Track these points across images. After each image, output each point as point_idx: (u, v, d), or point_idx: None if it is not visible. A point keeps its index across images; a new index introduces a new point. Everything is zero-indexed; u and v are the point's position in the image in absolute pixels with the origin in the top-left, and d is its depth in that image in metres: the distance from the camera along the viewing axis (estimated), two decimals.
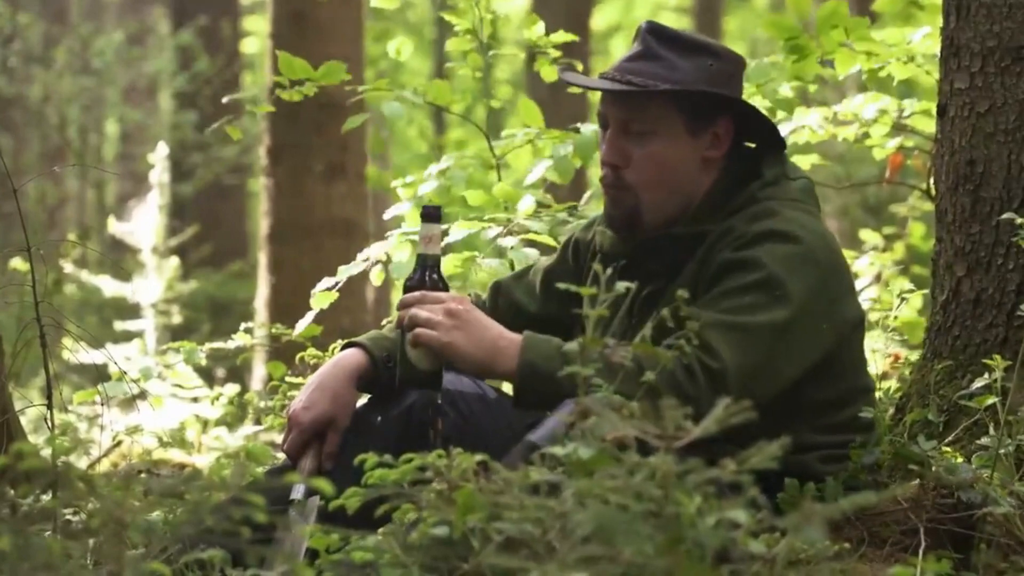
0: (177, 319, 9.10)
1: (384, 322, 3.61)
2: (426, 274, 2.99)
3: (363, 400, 3.19)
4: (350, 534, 2.41)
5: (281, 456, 3.24)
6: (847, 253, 4.57)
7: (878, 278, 5.63)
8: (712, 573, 1.92)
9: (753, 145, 3.13)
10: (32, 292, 3.20)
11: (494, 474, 2.26)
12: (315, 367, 3.83)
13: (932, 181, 3.74)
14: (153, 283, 9.03)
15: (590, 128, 4.40)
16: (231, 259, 13.11)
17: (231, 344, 4.60)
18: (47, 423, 3.18)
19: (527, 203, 4.25)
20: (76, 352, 4.08)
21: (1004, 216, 3.17)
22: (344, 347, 3.21)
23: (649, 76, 3.00)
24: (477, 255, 4.08)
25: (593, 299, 2.36)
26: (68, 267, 9.62)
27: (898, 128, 4.70)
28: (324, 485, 2.19)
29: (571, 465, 2.13)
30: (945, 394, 3.24)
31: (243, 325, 4.67)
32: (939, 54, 3.42)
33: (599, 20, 17.78)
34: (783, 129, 4.51)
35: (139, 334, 8.69)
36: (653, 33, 3.05)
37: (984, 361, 3.08)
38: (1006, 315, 3.23)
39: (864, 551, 2.87)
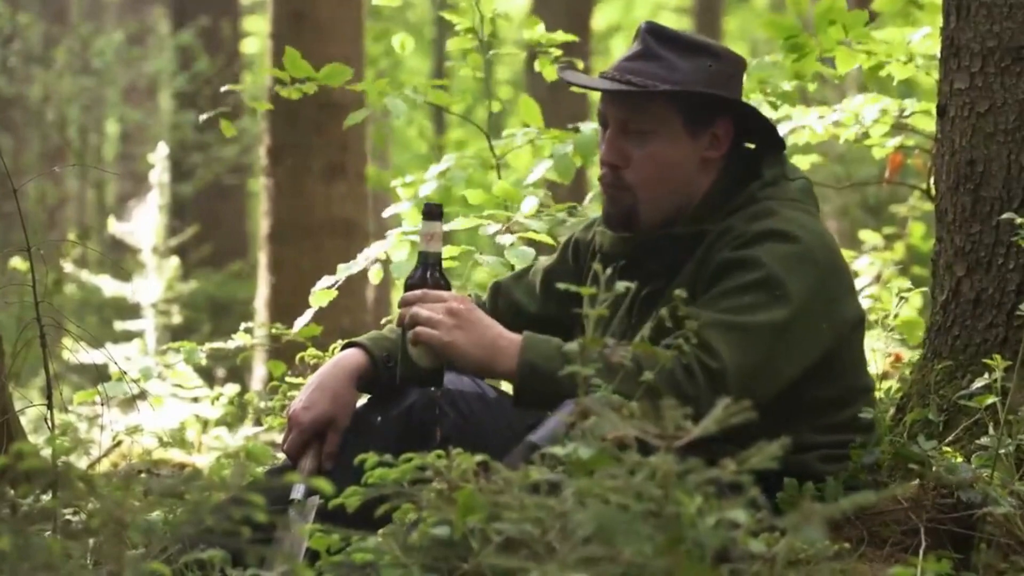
0: (177, 319, 9.10)
1: (384, 322, 3.61)
2: (427, 272, 2.99)
3: (363, 400, 3.19)
4: (350, 534, 2.41)
5: (281, 456, 3.24)
6: (847, 253, 4.57)
7: (878, 278, 5.63)
8: (712, 573, 1.92)
9: (752, 145, 3.13)
10: (32, 292, 3.19)
11: (494, 474, 2.26)
12: (315, 367, 3.82)
13: (932, 181, 3.74)
14: (153, 283, 9.03)
15: (590, 127, 4.40)
16: (231, 259, 13.11)
17: (231, 344, 4.60)
18: (47, 423, 3.18)
19: (530, 204, 4.25)
20: (76, 352, 4.08)
21: (1004, 216, 3.17)
22: (344, 347, 3.21)
23: (649, 76, 3.00)
24: (475, 252, 4.08)
25: (593, 299, 2.36)
26: (68, 267, 9.62)
27: (898, 128, 4.70)
28: (324, 485, 2.19)
29: (571, 465, 2.13)
30: (945, 394, 3.24)
31: (243, 325, 4.67)
32: (939, 54, 3.42)
33: (599, 20, 17.79)
34: (783, 129, 4.51)
35: (139, 334, 8.69)
36: (653, 33, 3.05)
37: (984, 361, 3.08)
38: (1006, 315, 3.23)
39: (864, 551, 2.87)
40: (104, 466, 4.44)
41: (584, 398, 2.26)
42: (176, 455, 5.28)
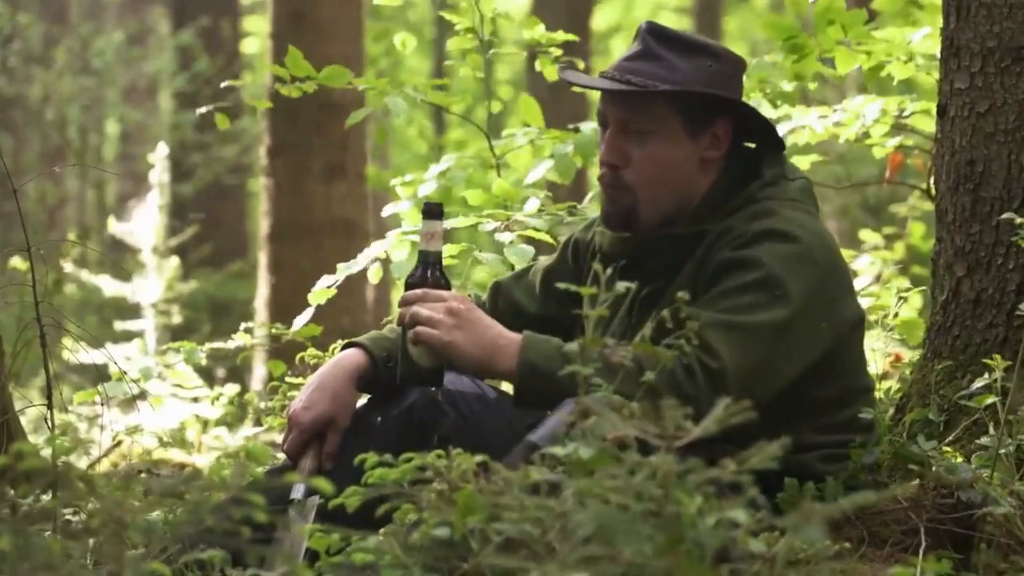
0: (177, 319, 9.10)
1: (384, 322, 3.61)
2: (427, 271, 2.99)
3: (363, 400, 3.19)
4: (350, 534, 2.41)
5: (281, 456, 3.24)
6: (847, 253, 4.57)
7: (878, 278, 5.63)
8: (712, 573, 1.92)
9: (752, 146, 3.13)
10: (32, 292, 3.19)
11: (494, 474, 2.26)
12: (315, 367, 3.82)
13: (932, 181, 3.74)
14: (153, 283, 9.03)
15: (590, 127, 4.40)
16: (231, 259, 13.11)
17: (231, 344, 4.60)
18: (47, 423, 3.18)
19: (532, 204, 4.25)
20: (76, 352, 4.08)
21: (1004, 216, 3.17)
22: (344, 347, 3.21)
23: (648, 76, 3.00)
24: (474, 248, 4.08)
25: (593, 299, 2.36)
26: (68, 267, 9.62)
27: (898, 128, 4.70)
28: (324, 485, 2.19)
29: (571, 465, 2.13)
30: (945, 394, 3.24)
31: (243, 325, 4.67)
32: (939, 54, 3.42)
33: (599, 20, 17.78)
34: (783, 129, 4.51)
35: (139, 334, 8.69)
36: (653, 33, 3.05)
37: (984, 361, 3.08)
38: (1006, 315, 3.23)
39: (864, 551, 2.87)
40: (104, 466, 4.44)
41: (584, 398, 2.26)
42: (176, 455, 5.28)
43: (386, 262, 4.22)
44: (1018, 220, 3.10)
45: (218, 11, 13.90)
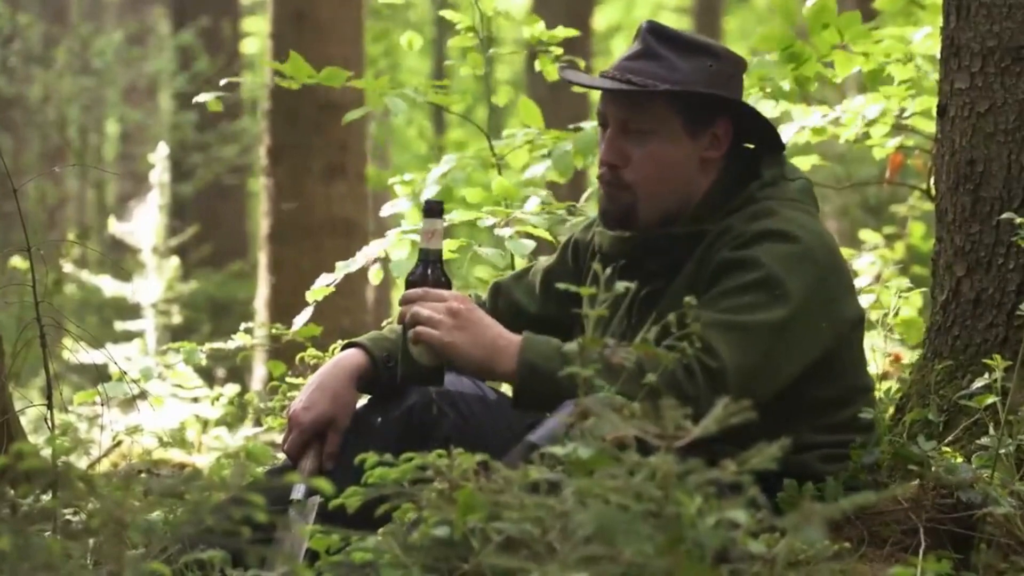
0: (177, 319, 9.10)
1: (384, 323, 3.61)
2: (428, 269, 2.99)
3: (363, 401, 3.19)
4: (350, 534, 2.41)
5: (281, 456, 3.24)
6: (847, 253, 4.57)
7: (878, 278, 5.63)
8: (712, 573, 1.92)
9: (752, 146, 3.13)
10: (32, 292, 3.19)
11: (494, 474, 2.26)
12: (315, 367, 3.82)
13: (932, 181, 3.74)
14: (153, 283, 9.04)
15: (591, 126, 4.40)
16: (231, 259, 13.11)
17: (231, 344, 4.59)
18: (47, 423, 3.18)
19: (533, 203, 4.25)
20: (76, 352, 4.08)
21: (1004, 216, 3.17)
22: (344, 347, 3.21)
23: (649, 76, 3.00)
24: (474, 244, 4.08)
25: (592, 299, 2.36)
26: (68, 267, 9.62)
27: (898, 128, 4.70)
28: (324, 485, 2.19)
29: (571, 465, 2.13)
30: (945, 394, 3.24)
31: (243, 325, 4.67)
32: (939, 54, 3.42)
33: (600, 20, 17.79)
34: (783, 131, 4.51)
35: (139, 334, 8.69)
36: (653, 33, 3.05)
37: (984, 361, 3.08)
38: (1006, 315, 3.23)
39: (864, 551, 2.87)
40: (104, 466, 4.44)
41: (584, 398, 2.26)
42: (176, 455, 5.28)
43: (386, 262, 4.22)
44: (1018, 220, 3.10)
45: (218, 11, 13.91)
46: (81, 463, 3.26)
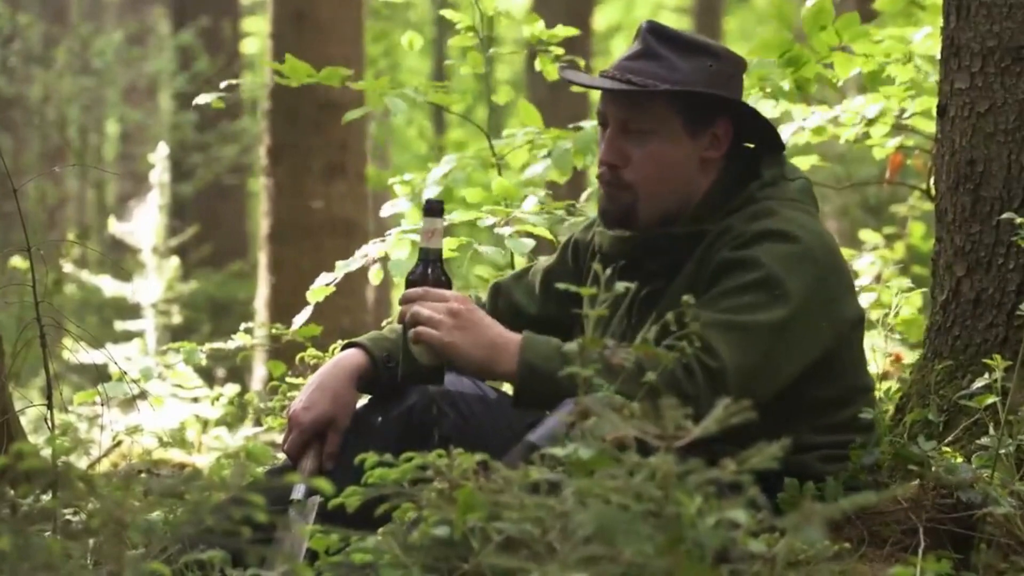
0: (177, 319, 9.10)
1: (384, 322, 3.61)
2: (428, 268, 2.99)
3: (363, 401, 3.19)
4: (350, 534, 2.41)
5: (281, 456, 3.24)
6: (847, 253, 4.57)
7: (878, 278, 5.63)
8: (712, 573, 1.92)
9: (752, 146, 3.13)
10: (32, 292, 3.19)
11: (494, 473, 2.26)
12: (315, 367, 3.82)
13: (932, 181, 3.74)
14: (153, 283, 9.04)
15: (591, 125, 4.40)
16: (231, 259, 13.11)
17: (231, 344, 4.59)
18: (47, 423, 3.18)
19: (531, 203, 4.25)
20: (76, 352, 4.08)
21: (1004, 216, 3.17)
22: (344, 347, 3.21)
23: (649, 76, 3.00)
24: (474, 242, 4.09)
25: (592, 299, 2.36)
26: (68, 267, 9.63)
27: (898, 128, 4.70)
28: (324, 485, 2.19)
29: (571, 465, 2.13)
30: (945, 394, 3.24)
31: (243, 325, 4.67)
32: (939, 54, 3.42)
33: (600, 20, 17.79)
34: (783, 131, 4.51)
35: (139, 334, 8.69)
36: (653, 33, 3.05)
37: (984, 361, 3.08)
38: (1006, 315, 3.23)
39: (864, 551, 2.87)
40: (104, 466, 4.44)
41: (584, 398, 2.26)
42: (176, 455, 5.28)
43: (386, 262, 4.22)
44: (1018, 220, 3.10)
45: (218, 11, 13.91)
46: (81, 463, 3.25)
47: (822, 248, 2.97)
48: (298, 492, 2.96)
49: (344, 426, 3.10)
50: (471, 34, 4.55)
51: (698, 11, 16.93)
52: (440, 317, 2.89)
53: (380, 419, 3.12)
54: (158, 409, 5.53)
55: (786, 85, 4.42)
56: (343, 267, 4.17)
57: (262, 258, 7.82)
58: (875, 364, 3.62)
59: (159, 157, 9.25)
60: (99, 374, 5.01)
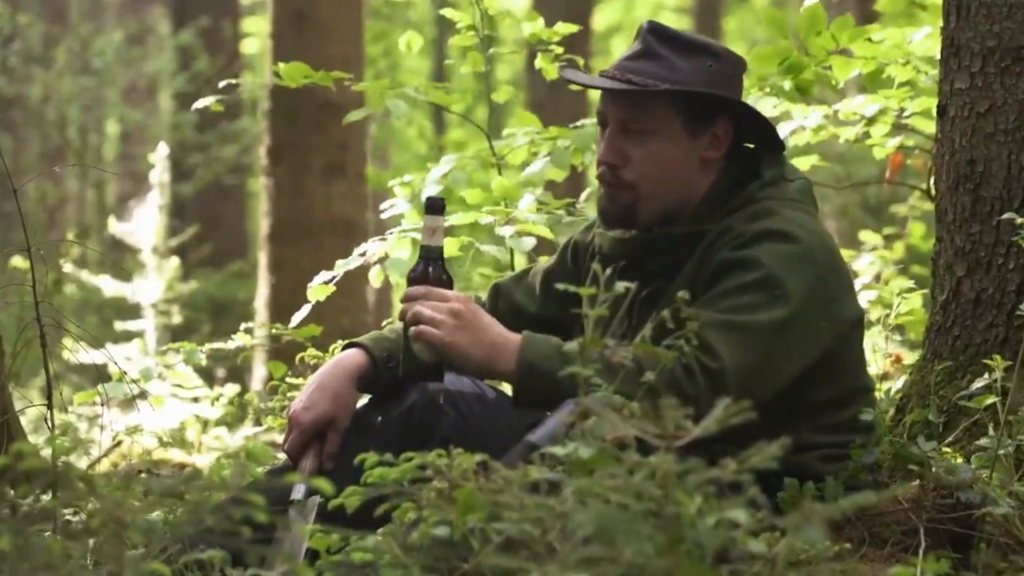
0: (177, 319, 9.10)
1: (384, 323, 3.61)
2: (429, 267, 2.98)
3: (364, 401, 3.19)
4: (350, 534, 2.41)
5: (281, 456, 3.24)
6: (847, 253, 4.57)
7: (878, 278, 5.63)
8: (712, 573, 1.92)
9: (752, 146, 3.13)
10: (32, 292, 3.19)
11: (494, 473, 2.26)
12: (315, 367, 3.82)
13: (932, 181, 3.74)
14: (153, 283, 9.04)
15: (591, 122, 4.40)
16: (231, 259, 13.12)
17: (231, 344, 4.59)
18: (47, 423, 3.18)
19: (527, 201, 4.25)
20: (76, 352, 4.08)
21: (1004, 216, 3.17)
22: (345, 347, 3.21)
23: (649, 76, 3.00)
24: (475, 242, 4.09)
25: (592, 299, 2.36)
26: (68, 267, 9.62)
27: (898, 128, 4.70)
28: (324, 485, 2.19)
29: (571, 465, 2.13)
30: (945, 394, 3.24)
31: (243, 325, 4.67)
32: (939, 54, 3.42)
33: (600, 20, 17.79)
34: (783, 130, 4.50)
35: (139, 334, 8.69)
36: (654, 33, 3.05)
37: (984, 361, 3.08)
38: (1006, 315, 3.23)
39: (864, 551, 2.87)
40: (104, 466, 4.44)
41: (584, 398, 2.26)
42: (176, 455, 5.28)
43: (386, 262, 4.22)
44: (1018, 220, 3.10)
45: (218, 11, 13.91)
46: (81, 463, 3.26)
47: (822, 248, 2.97)
48: (298, 492, 2.96)
49: (344, 426, 3.10)
50: (471, 33, 4.55)
51: (698, 11, 16.94)
52: (442, 317, 2.89)
53: (380, 419, 3.12)
54: (158, 409, 5.54)
55: (786, 85, 4.42)
56: (343, 265, 4.17)
57: (262, 258, 7.82)
58: (875, 364, 3.62)
59: (159, 157, 9.25)
60: (99, 374, 5.01)
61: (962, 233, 3.30)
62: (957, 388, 3.22)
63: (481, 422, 3.11)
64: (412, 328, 2.91)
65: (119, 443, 4.49)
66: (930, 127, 4.44)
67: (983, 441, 3.01)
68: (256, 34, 16.60)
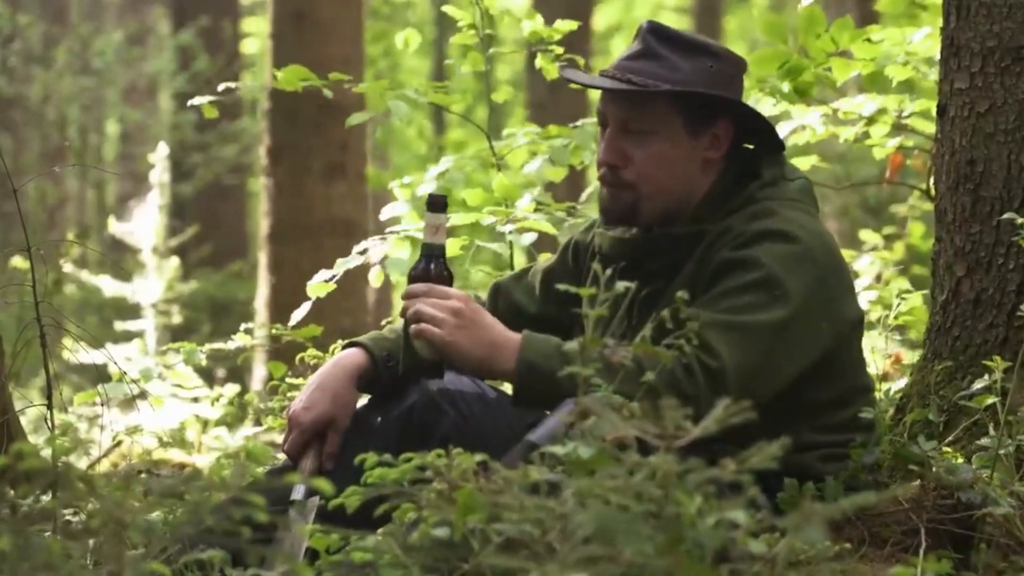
0: (177, 319, 9.10)
1: (384, 323, 3.61)
2: (431, 264, 2.98)
3: (363, 401, 3.19)
4: (350, 534, 2.41)
5: (281, 456, 3.24)
6: (847, 253, 4.57)
7: (878, 278, 5.63)
8: (712, 573, 1.92)
9: (752, 146, 3.13)
10: (32, 292, 3.19)
11: (494, 474, 2.26)
12: (315, 367, 3.82)
13: (932, 181, 3.74)
14: (153, 283, 9.04)
15: (590, 122, 4.40)
16: (231, 259, 13.12)
17: (231, 344, 4.59)
18: (47, 423, 3.18)
19: (526, 201, 4.25)
20: (76, 352, 4.08)
21: (1004, 216, 3.17)
22: (345, 347, 3.21)
23: (649, 76, 3.00)
24: (476, 241, 4.09)
25: (592, 299, 2.36)
26: (68, 267, 9.62)
27: (898, 128, 4.70)
28: (324, 485, 2.19)
29: (571, 465, 2.13)
30: (945, 394, 3.24)
31: (243, 325, 4.67)
32: (939, 54, 3.42)
33: (600, 20, 17.79)
34: (783, 129, 4.50)
35: (139, 334, 8.69)
36: (654, 33, 3.04)
37: (984, 362, 3.08)
38: (1006, 315, 3.22)
39: (865, 551, 2.87)
40: (104, 466, 4.44)
41: (584, 398, 2.26)
42: (176, 455, 5.28)
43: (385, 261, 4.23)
44: (1018, 220, 3.10)
45: (218, 11, 13.91)
46: (81, 463, 3.26)
47: (822, 248, 2.97)
48: (298, 492, 2.96)
49: (344, 426, 3.10)
50: (472, 32, 4.54)
51: (698, 11, 16.94)
52: (443, 315, 2.89)
53: (380, 419, 3.12)
54: (158, 409, 5.53)
55: (785, 87, 4.42)
56: (342, 264, 4.17)
57: (262, 258, 7.82)
58: (875, 365, 3.62)
59: (159, 157, 9.25)
60: (99, 374, 5.01)
61: (962, 233, 3.30)
62: (957, 388, 3.22)
63: (481, 422, 3.11)
64: (413, 326, 2.91)
65: (119, 443, 4.49)
66: (930, 127, 4.44)
67: (983, 441, 3.01)
68: (256, 34, 16.61)
